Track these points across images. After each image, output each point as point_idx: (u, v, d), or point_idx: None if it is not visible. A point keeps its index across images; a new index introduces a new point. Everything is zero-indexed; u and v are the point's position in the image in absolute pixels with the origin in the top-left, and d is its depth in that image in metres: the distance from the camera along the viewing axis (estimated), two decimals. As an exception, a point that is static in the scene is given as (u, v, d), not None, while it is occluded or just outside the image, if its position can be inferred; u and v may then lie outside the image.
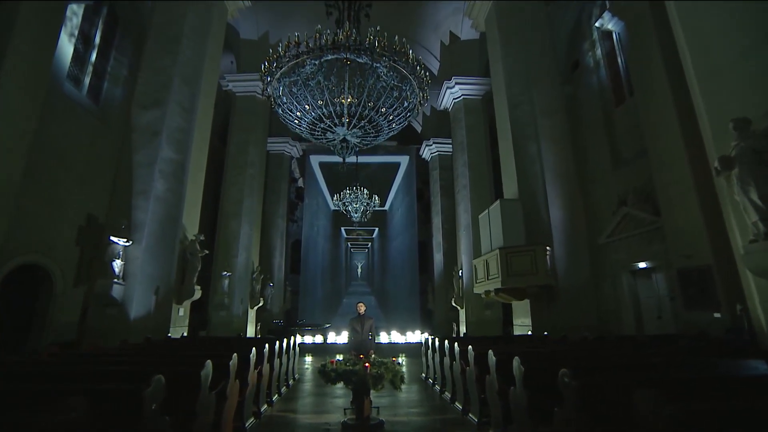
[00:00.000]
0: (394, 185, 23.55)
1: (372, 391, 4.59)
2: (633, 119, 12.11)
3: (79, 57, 12.98)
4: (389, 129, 6.72)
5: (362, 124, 6.31)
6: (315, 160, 23.46)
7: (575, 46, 15.43)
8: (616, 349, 4.79)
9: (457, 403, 5.87)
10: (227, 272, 14.55)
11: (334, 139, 6.60)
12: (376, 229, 24.10)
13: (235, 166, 16.10)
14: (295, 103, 6.17)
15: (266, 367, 5.63)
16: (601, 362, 3.45)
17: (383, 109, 6.23)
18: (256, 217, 16.50)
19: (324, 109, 6.09)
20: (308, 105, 6.12)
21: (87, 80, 13.32)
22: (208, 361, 3.32)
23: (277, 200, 20.42)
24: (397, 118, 6.56)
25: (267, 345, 5.73)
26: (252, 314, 15.78)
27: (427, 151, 21.65)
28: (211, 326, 14.37)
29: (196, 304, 16.30)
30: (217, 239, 15.36)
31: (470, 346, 4.99)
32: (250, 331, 15.36)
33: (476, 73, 17.13)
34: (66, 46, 11.94)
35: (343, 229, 23.95)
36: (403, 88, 6.25)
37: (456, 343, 5.82)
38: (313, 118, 6.29)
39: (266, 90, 6.62)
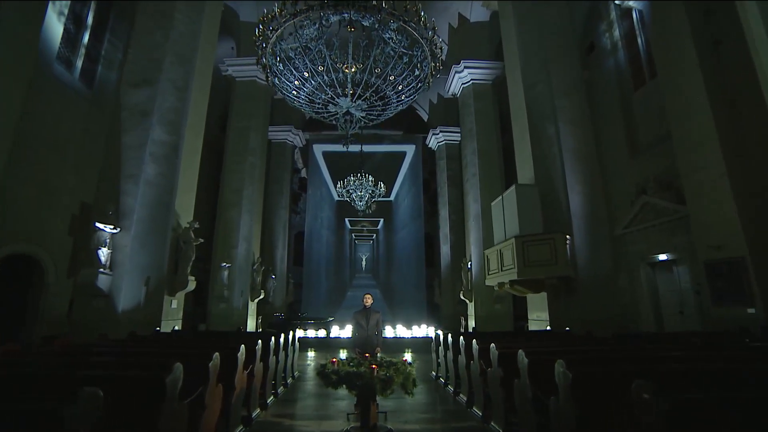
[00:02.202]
0: (399, 175, 22.88)
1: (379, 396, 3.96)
2: (654, 103, 11.39)
3: (71, 38, 12.38)
4: (398, 101, 6.02)
5: (368, 94, 5.62)
6: (318, 150, 22.84)
7: (591, 27, 14.63)
8: (673, 351, 4.02)
9: (475, 408, 5.20)
10: (227, 263, 13.97)
11: (337, 113, 5.91)
12: (381, 220, 23.45)
13: (234, 154, 15.48)
14: (292, 69, 5.48)
15: (259, 366, 5.00)
16: (672, 369, 2.71)
17: (391, 77, 5.53)
18: (257, 207, 15.89)
19: (325, 77, 5.40)
20: (307, 72, 5.43)
21: (79, 63, 12.73)
22: (178, 364, 2.68)
23: (280, 190, 19.86)
24: (407, 89, 5.86)
25: (260, 341, 5.09)
26: (253, 307, 15.22)
27: (434, 140, 20.98)
28: (210, 319, 13.83)
29: (198, 297, 15.87)
30: (217, 229, 14.77)
31: (493, 345, 4.33)
32: (251, 325, 14.81)
33: (486, 57, 16.35)
34: (55, 25, 11.35)
35: (347, 220, 23.31)
36: (414, 53, 5.55)
37: (474, 340, 5.15)
38: (313, 87, 5.61)
39: (261, 59, 5.94)
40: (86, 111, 12.34)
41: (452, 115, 19.49)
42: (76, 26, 12.68)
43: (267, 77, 6.11)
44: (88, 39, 13.06)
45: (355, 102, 5.78)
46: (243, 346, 4.20)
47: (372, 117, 6.24)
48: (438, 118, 20.97)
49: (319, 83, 5.51)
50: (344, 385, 3.78)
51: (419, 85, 6.00)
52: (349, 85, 5.66)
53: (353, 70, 5.74)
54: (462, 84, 16.60)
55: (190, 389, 3.13)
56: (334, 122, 6.11)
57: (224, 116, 17.58)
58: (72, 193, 11.42)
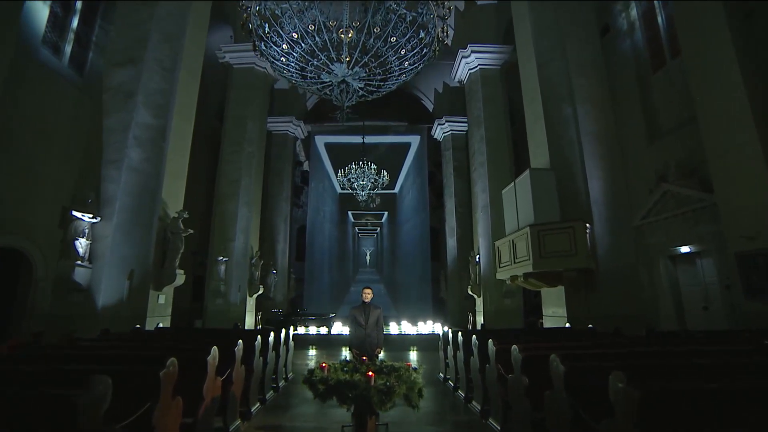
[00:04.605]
0: (404, 167, 22.16)
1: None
2: (674, 85, 10.60)
3: (58, 22, 11.76)
4: (400, 69, 5.30)
5: (366, 59, 4.91)
6: (320, 141, 22.17)
7: (605, 8, 13.83)
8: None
9: (491, 420, 4.48)
10: (223, 257, 13.34)
11: (331, 82, 5.20)
12: (386, 213, 22.78)
13: (231, 143, 14.80)
14: (279, 31, 4.78)
15: (240, 369, 4.32)
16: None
17: (393, 39, 4.81)
18: (256, 199, 15.26)
19: (317, 38, 4.70)
20: (296, 33, 4.73)
21: (68, 48, 12.08)
22: (100, 377, 2.01)
23: (280, 183, 19.22)
24: (410, 54, 5.14)
25: (240, 341, 4.40)
26: (251, 303, 14.60)
27: (440, 131, 20.30)
28: (206, 315, 13.22)
29: (196, 292, 15.25)
30: (213, 221, 14.15)
31: (515, 346, 3.62)
32: (249, 322, 14.19)
33: (494, 42, 15.58)
34: (38, 7, 10.73)
35: (350, 213, 22.66)
36: (419, 11, 4.82)
37: (490, 340, 4.42)
38: (303, 52, 4.90)
39: (246, 24, 5.25)
40: (76, 98, 11.72)
41: (458, 104, 18.76)
42: (64, 10, 12.07)
43: (254, 45, 5.42)
44: (78, 23, 12.46)
45: (351, 69, 5.07)
46: (215, 348, 3.51)
47: (371, 88, 5.52)
48: (443, 107, 20.27)
49: (311, 46, 4.80)
50: (335, 397, 3.10)
51: (424, 50, 5.27)
52: (345, 50, 4.95)
53: (350, 35, 5.04)
54: (469, 69, 15.84)
55: (140, 403, 2.47)
56: (328, 94, 5.40)
57: (223, 107, 16.97)
58: (61, 184, 10.82)
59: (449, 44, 16.67)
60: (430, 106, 21.67)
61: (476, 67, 15.58)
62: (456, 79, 17.03)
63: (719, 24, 7.90)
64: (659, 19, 12.05)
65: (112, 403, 2.29)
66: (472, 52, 15.41)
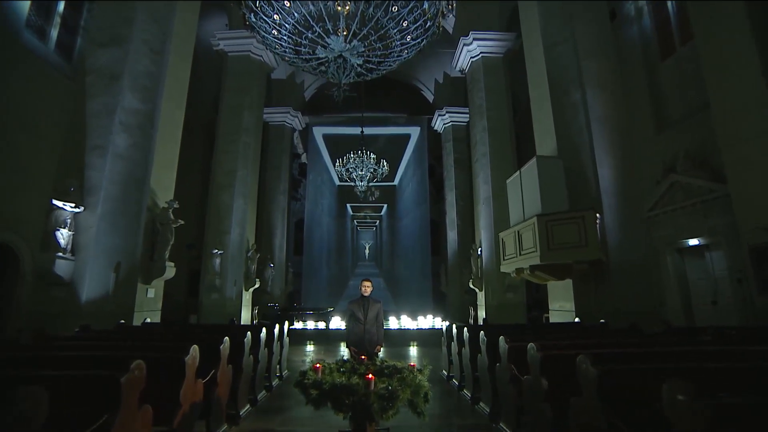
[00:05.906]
0: (404, 159, 21.75)
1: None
2: (684, 72, 10.19)
3: (43, 4, 11.27)
4: (401, 44, 4.88)
5: (365, 31, 4.49)
6: (319, 132, 21.73)
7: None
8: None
9: (502, 425, 4.09)
10: (218, 250, 12.95)
11: (327, 58, 4.78)
12: (385, 206, 22.38)
13: (227, 133, 14.33)
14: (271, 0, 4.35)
15: (227, 369, 3.94)
16: None
17: (394, 9, 4.39)
18: (252, 190, 14.82)
19: (311, 6, 4.27)
20: (288, 1, 4.31)
21: (54, 33, 11.58)
22: (32, 390, 1.60)
23: (278, 175, 18.82)
24: (413, 27, 4.72)
25: (227, 338, 4.00)
26: (247, 297, 14.21)
27: (440, 122, 19.90)
28: (202, 310, 12.85)
29: (192, 286, 14.85)
30: (208, 213, 13.73)
31: (531, 345, 3.23)
32: (245, 316, 13.81)
33: (497, 30, 15.14)
34: (22, -14, 10.23)
35: (349, 206, 22.27)
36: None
37: (502, 338, 4.02)
38: (296, 23, 4.48)
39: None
40: (64, 86, 11.27)
41: (459, 94, 18.34)
42: (50, -9, 11.56)
43: (244, 17, 4.99)
44: (64, 7, 11.95)
45: (349, 43, 4.65)
46: (195, 347, 3.13)
47: (371, 66, 5.11)
48: (444, 98, 19.87)
49: (304, 16, 4.38)
50: (330, 403, 2.71)
51: (428, 23, 4.84)
52: (342, 22, 4.53)
53: (347, 8, 4.62)
54: (471, 58, 15.37)
55: (102, 414, 2.09)
56: (324, 70, 4.98)
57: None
58: (49, 176, 10.38)
59: (450, 31, 16.19)
60: (430, 97, 21.26)
61: (478, 55, 15.13)
62: (457, 68, 16.56)
63: (735, 5, 7.48)
64: (669, 3, 11.60)
65: (69, 414, 1.92)
66: (474, 39, 14.94)
